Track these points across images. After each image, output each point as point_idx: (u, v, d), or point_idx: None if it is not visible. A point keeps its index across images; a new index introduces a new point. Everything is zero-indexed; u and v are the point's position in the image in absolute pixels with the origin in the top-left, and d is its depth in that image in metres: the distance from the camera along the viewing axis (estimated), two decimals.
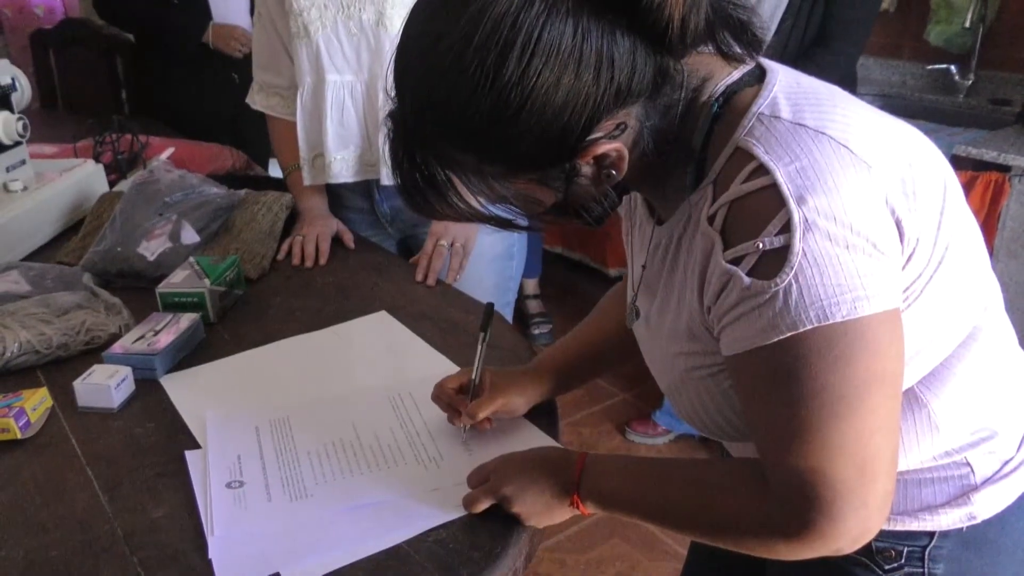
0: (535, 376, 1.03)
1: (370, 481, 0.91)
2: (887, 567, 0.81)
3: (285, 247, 1.53)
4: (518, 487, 0.84)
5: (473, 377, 0.98)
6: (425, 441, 0.97)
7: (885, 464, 0.66)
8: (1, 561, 0.81)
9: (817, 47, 1.96)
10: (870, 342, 0.64)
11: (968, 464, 0.77)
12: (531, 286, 3.27)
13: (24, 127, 1.59)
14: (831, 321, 0.63)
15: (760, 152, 0.64)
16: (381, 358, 1.18)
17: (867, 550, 0.81)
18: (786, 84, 0.69)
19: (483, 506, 0.85)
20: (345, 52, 1.48)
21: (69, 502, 0.89)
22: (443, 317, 1.29)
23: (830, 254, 0.62)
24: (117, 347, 1.14)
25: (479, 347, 0.99)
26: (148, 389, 1.10)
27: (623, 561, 2.14)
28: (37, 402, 1.02)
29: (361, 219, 1.66)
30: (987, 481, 0.78)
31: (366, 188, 1.61)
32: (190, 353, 1.19)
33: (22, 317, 1.18)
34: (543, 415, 1.02)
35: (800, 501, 0.67)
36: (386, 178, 1.53)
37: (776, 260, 0.63)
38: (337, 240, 1.56)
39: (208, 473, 0.92)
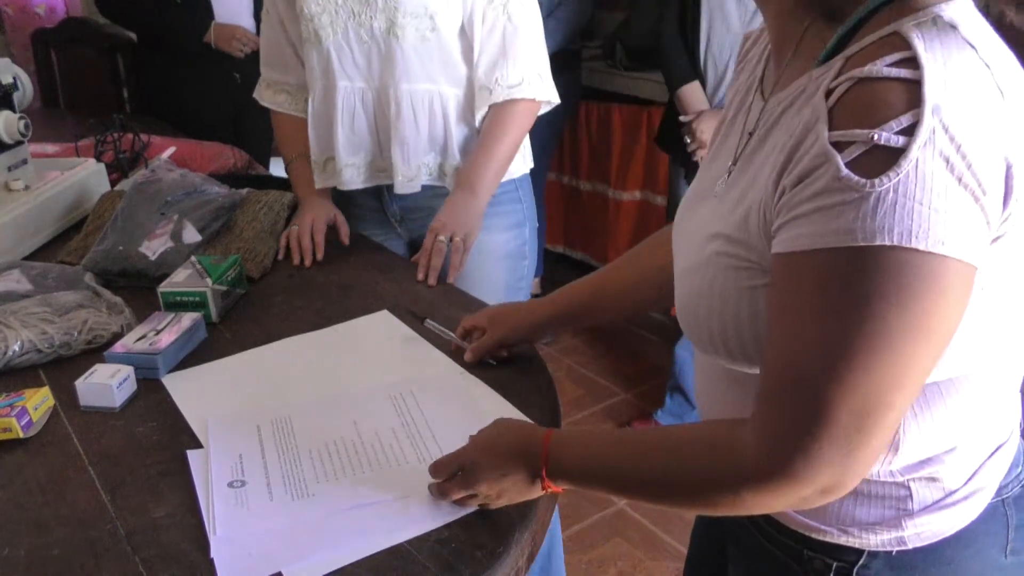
0: (537, 305, 1.11)
1: (372, 480, 0.91)
2: None
3: (283, 242, 1.52)
4: (492, 483, 0.83)
5: (454, 345, 1.14)
6: (427, 440, 0.97)
7: (887, 425, 0.63)
8: (3, 560, 0.81)
9: None
10: (941, 287, 0.59)
11: (908, 488, 0.74)
12: (533, 285, 3.27)
13: (26, 126, 1.59)
14: (913, 246, 0.57)
15: (919, 45, 0.59)
16: (383, 357, 1.18)
17: (799, 556, 0.80)
18: (973, 11, 0.64)
19: (455, 497, 0.85)
20: (356, 59, 1.48)
21: (71, 501, 0.89)
22: (445, 316, 1.29)
23: (941, 178, 0.57)
24: (119, 346, 1.14)
25: (435, 328, 1.19)
26: (150, 388, 1.10)
27: (624, 560, 2.14)
28: (39, 401, 1.02)
29: (371, 218, 1.66)
30: (924, 509, 0.74)
31: (376, 188, 1.61)
32: (192, 352, 1.19)
33: (24, 316, 1.18)
34: (545, 414, 1.02)
35: (786, 433, 0.63)
36: (400, 186, 1.52)
37: (883, 160, 0.58)
38: (339, 240, 1.55)
39: (210, 473, 0.92)
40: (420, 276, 1.41)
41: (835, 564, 0.78)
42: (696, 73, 2.11)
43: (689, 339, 0.82)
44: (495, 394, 1.06)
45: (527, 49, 1.49)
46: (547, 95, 1.54)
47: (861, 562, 0.77)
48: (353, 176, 1.55)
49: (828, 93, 0.62)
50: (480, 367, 1.11)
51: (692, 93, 2.11)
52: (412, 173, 1.52)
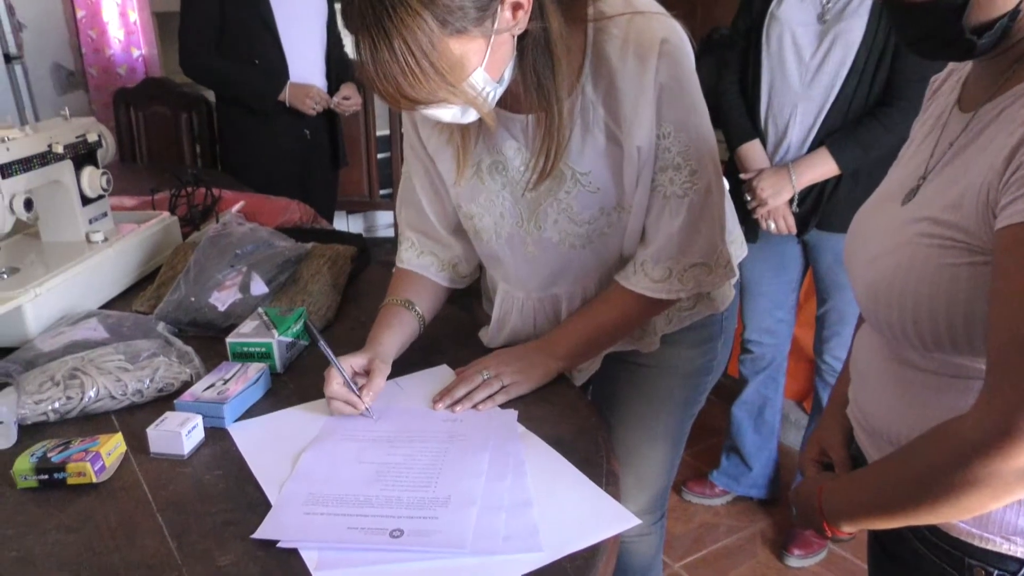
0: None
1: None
2: None
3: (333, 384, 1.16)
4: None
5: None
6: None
7: None
8: None
9: (882, 106, 1.95)
10: None
11: None
12: None
13: (107, 181, 1.67)
14: None
15: None
16: (441, 411, 1.19)
17: (960, 564, 0.83)
18: None
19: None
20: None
21: (139, 547, 0.91)
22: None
23: None
24: (188, 395, 1.17)
25: (324, 350, 1.16)
26: (216, 437, 1.13)
27: None
28: (112, 447, 1.05)
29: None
30: None
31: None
32: (256, 402, 1.22)
33: (100, 363, 1.22)
34: (594, 469, 1.02)
35: (1007, 392, 0.67)
36: None
37: None
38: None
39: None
40: (439, 405, 1.19)
41: (996, 572, 0.81)
42: (756, 132, 2.11)
43: (874, 326, 0.87)
44: (574, 470, 1.05)
45: None
46: None
47: (1023, 572, 0.80)
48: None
49: None
50: (538, 421, 1.11)
51: (752, 151, 2.11)
52: None
